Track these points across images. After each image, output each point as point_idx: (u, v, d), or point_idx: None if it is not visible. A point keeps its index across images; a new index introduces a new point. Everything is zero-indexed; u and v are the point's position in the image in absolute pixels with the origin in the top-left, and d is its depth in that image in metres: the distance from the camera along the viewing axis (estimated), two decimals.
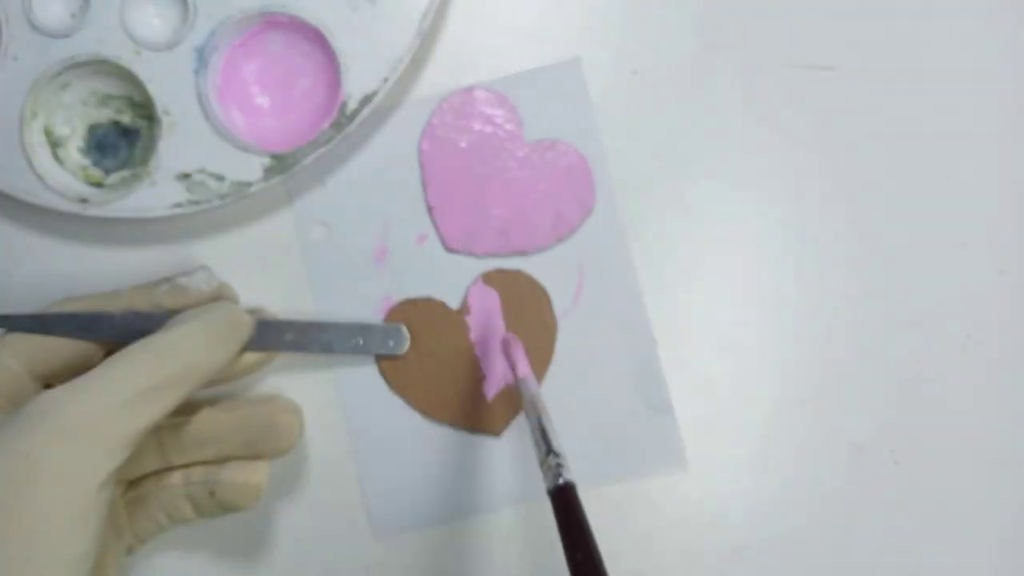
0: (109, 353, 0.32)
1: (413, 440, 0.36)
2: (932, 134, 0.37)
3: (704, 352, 0.37)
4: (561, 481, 0.26)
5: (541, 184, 0.36)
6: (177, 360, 0.29)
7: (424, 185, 0.37)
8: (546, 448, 0.28)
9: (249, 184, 0.34)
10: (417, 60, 0.36)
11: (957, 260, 0.37)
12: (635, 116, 0.37)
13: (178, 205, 0.34)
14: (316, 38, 0.34)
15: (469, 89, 0.37)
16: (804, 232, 0.37)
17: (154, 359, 0.29)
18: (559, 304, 0.37)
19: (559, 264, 0.37)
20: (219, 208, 0.35)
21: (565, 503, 0.26)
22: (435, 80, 0.37)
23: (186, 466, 0.33)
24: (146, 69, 0.34)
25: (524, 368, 0.34)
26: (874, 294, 0.37)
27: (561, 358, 0.37)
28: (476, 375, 0.36)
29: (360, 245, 0.37)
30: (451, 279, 0.37)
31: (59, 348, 0.32)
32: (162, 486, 0.33)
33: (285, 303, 0.37)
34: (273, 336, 0.34)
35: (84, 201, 0.34)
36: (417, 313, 0.36)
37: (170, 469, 0.33)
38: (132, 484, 0.33)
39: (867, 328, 0.37)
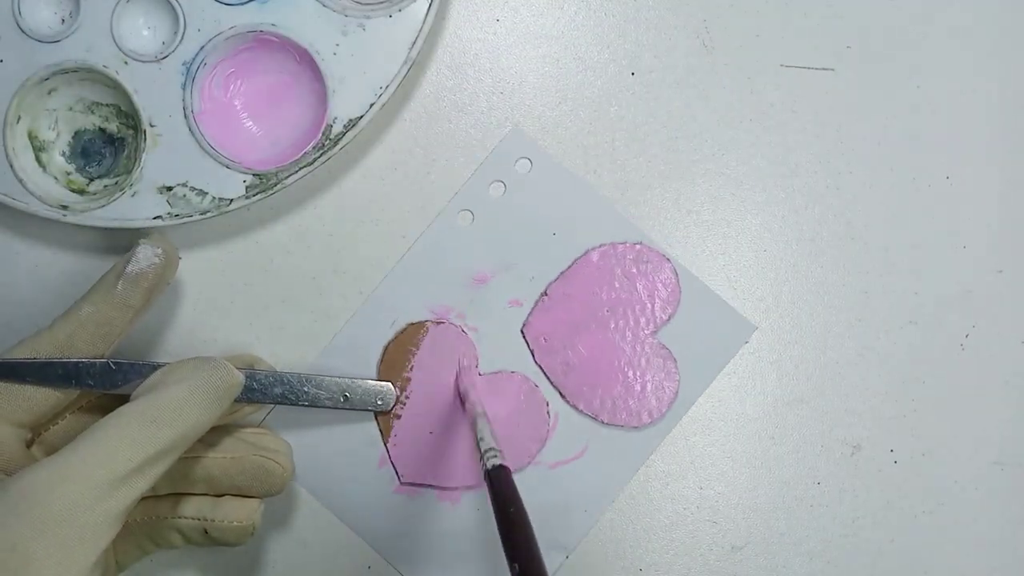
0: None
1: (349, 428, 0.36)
2: (932, 134, 0.37)
3: None
4: (490, 466, 0.28)
5: (630, 372, 0.36)
6: (170, 428, 0.27)
7: (560, 275, 0.36)
8: (483, 443, 0.30)
9: (230, 201, 0.34)
10: (415, 70, 0.36)
11: (957, 260, 0.37)
12: (635, 116, 0.37)
13: (158, 217, 0.34)
14: (305, 60, 0.34)
15: (667, 259, 0.36)
16: (803, 232, 0.37)
17: (147, 429, 0.27)
18: (546, 454, 0.36)
19: (578, 429, 0.37)
20: (199, 223, 0.34)
21: (497, 481, 0.27)
22: (424, 104, 0.36)
23: (175, 495, 0.32)
24: (133, 80, 0.33)
25: (474, 394, 0.35)
26: (874, 294, 0.37)
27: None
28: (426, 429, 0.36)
29: (481, 260, 0.36)
30: (501, 352, 0.36)
31: (40, 399, 0.31)
32: (150, 516, 0.32)
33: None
34: (262, 390, 0.34)
35: (64, 208, 0.33)
36: (453, 342, 0.36)
37: (157, 497, 0.32)
38: None
39: (867, 328, 0.37)
